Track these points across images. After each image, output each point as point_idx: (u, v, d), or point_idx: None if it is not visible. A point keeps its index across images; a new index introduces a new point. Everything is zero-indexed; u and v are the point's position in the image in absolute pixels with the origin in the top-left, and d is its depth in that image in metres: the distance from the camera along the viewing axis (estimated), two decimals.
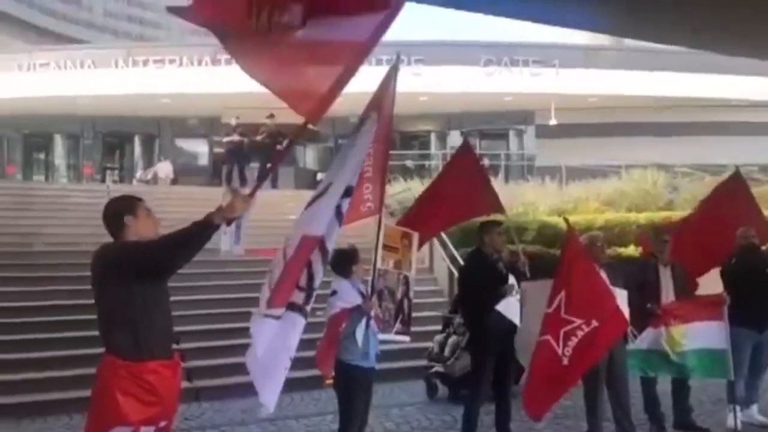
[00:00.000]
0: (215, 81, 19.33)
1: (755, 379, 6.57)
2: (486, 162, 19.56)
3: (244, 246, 3.76)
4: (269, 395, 3.69)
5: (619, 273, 6.01)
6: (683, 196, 14.90)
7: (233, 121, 18.53)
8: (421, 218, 6.24)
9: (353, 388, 4.70)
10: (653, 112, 22.57)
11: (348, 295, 4.66)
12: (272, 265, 3.72)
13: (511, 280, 5.49)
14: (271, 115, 17.17)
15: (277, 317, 3.55)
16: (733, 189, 7.63)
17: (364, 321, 4.63)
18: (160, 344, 3.35)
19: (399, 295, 5.20)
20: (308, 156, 24.60)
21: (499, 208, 6.33)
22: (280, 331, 3.59)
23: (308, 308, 3.69)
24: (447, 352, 7.65)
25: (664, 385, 6.39)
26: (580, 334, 5.34)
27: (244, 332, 9.19)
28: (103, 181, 22.82)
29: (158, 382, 3.27)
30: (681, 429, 6.26)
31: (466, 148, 7.25)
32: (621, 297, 5.69)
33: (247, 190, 3.51)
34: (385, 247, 5.12)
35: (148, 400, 3.24)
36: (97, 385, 3.35)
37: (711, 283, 6.66)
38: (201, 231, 3.12)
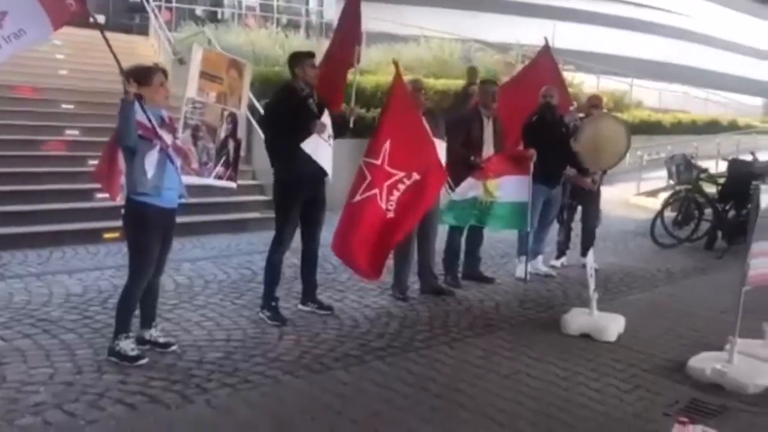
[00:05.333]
0: None
1: (542, 233, 6.95)
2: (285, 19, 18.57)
3: None
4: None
5: (441, 121, 5.81)
6: (476, 67, 15.34)
7: None
8: None
9: (143, 229, 3.97)
10: None
11: (137, 116, 3.81)
12: None
13: (326, 120, 4.97)
14: None
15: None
16: (544, 59, 7.82)
17: (156, 151, 3.87)
18: None
19: (222, 134, 4.48)
20: None
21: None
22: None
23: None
24: None
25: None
26: (402, 187, 5.14)
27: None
28: None
29: None
30: (470, 278, 6.46)
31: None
32: (440, 148, 5.54)
33: None
34: (204, 75, 4.32)
35: None
36: None
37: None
38: None
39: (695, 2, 27.67)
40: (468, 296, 5.95)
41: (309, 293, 5.36)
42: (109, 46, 3.89)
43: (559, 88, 7.17)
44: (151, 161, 3.85)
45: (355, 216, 5.11)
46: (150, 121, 3.87)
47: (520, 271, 6.61)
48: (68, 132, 9.44)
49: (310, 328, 4.92)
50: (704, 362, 4.26)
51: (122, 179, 4.04)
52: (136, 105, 3.80)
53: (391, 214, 5.12)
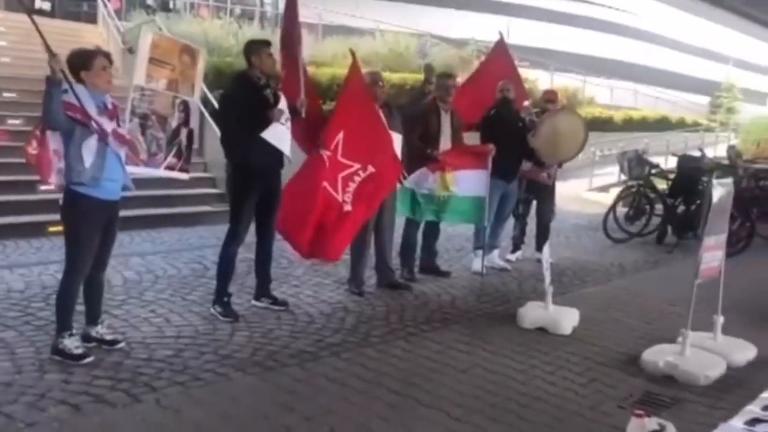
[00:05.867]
0: None
1: (498, 227, 6.95)
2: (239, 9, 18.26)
3: None
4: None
5: (397, 114, 5.74)
6: (432, 62, 15.35)
7: None
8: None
9: (80, 220, 3.79)
10: None
11: (67, 96, 3.63)
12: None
13: (283, 105, 4.85)
14: None
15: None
16: (499, 54, 7.81)
17: (94, 138, 3.69)
18: None
19: (174, 123, 4.30)
20: None
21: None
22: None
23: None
24: None
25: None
26: (357, 179, 5.08)
27: None
28: None
29: None
30: (426, 272, 6.43)
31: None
32: (396, 141, 5.49)
33: None
34: (154, 61, 4.14)
35: None
36: None
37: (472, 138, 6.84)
38: None
39: (647, 2, 28.27)
40: (424, 290, 5.91)
41: (263, 288, 5.23)
42: (35, 24, 3.74)
43: (515, 84, 7.18)
44: (89, 149, 3.67)
45: (313, 207, 5.00)
46: (79, 101, 3.67)
47: (476, 265, 6.60)
48: (10, 121, 9.08)
49: (264, 324, 4.80)
50: (657, 355, 4.30)
51: (59, 163, 3.85)
52: (65, 85, 3.63)
53: (348, 207, 5.05)
